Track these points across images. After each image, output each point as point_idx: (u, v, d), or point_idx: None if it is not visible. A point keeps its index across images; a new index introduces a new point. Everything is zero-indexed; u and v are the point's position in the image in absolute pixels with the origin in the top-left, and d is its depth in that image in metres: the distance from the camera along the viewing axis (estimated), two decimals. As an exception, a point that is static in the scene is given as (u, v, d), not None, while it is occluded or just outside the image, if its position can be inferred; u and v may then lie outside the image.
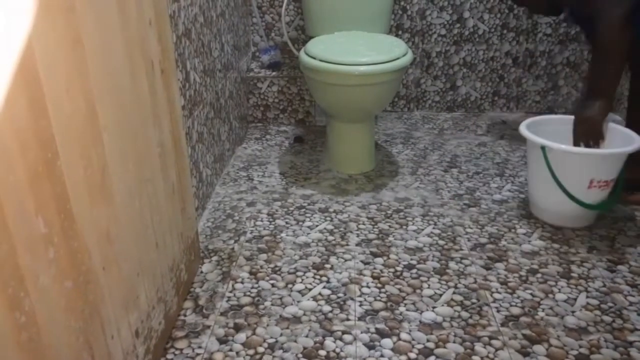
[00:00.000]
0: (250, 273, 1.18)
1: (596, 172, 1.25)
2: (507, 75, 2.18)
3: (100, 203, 0.71)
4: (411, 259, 1.23)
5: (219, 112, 1.62)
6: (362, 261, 1.22)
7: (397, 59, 1.50)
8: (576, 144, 1.33)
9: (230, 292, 1.12)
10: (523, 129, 1.35)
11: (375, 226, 1.37)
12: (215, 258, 1.24)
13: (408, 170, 1.72)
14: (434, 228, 1.36)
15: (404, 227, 1.37)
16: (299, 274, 1.17)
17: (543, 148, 1.27)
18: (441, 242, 1.29)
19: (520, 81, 2.18)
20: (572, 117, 1.39)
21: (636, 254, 1.24)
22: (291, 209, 1.46)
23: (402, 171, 1.71)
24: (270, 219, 1.41)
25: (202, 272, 1.19)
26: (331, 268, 1.19)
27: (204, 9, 1.45)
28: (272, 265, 1.21)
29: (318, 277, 1.16)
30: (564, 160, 1.26)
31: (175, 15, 1.21)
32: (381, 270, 1.18)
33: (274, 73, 2.10)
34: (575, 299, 1.08)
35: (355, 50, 1.59)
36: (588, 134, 1.33)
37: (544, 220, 1.37)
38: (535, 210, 1.40)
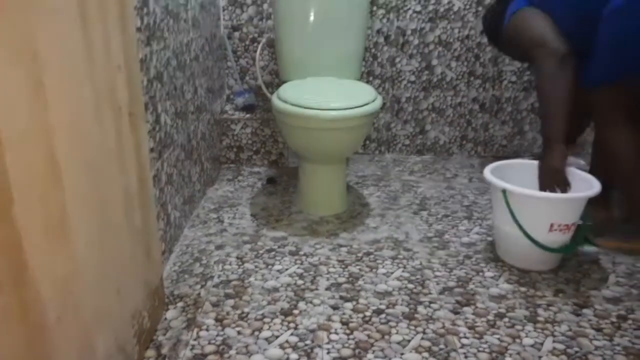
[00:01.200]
0: (216, 320, 1.15)
1: (556, 216, 1.28)
2: (475, 120, 2.25)
3: (58, 250, 0.69)
4: (380, 304, 1.22)
5: (191, 153, 1.62)
6: (331, 306, 1.20)
7: (367, 104, 1.53)
8: (543, 191, 1.37)
9: (195, 340, 1.09)
10: (487, 172, 1.38)
11: (346, 269, 1.37)
12: (180, 304, 1.21)
13: (379, 212, 1.73)
14: (403, 271, 1.36)
15: (374, 270, 1.37)
16: (267, 320, 1.15)
17: (504, 191, 1.30)
18: (410, 286, 1.29)
19: (487, 126, 2.25)
20: (536, 162, 1.44)
21: (601, 297, 1.25)
22: (261, 252, 1.45)
23: (373, 213, 1.72)
24: (239, 263, 1.39)
25: (166, 318, 1.16)
26: (299, 314, 1.17)
27: (177, 53, 1.47)
28: (239, 312, 1.18)
29: (286, 323, 1.14)
30: (524, 204, 1.29)
31: (147, 59, 1.22)
32: (350, 316, 1.17)
33: (247, 115, 2.12)
34: (542, 344, 1.08)
35: (326, 95, 1.62)
36: (553, 182, 1.37)
37: (511, 264, 1.39)
38: (501, 253, 1.42)
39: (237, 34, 2.19)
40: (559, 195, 1.31)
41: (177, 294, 1.25)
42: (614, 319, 1.17)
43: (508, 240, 1.37)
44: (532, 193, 1.28)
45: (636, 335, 1.11)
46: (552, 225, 1.29)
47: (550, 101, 1.37)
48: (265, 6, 2.15)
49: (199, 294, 1.25)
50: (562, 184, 1.36)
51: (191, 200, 1.65)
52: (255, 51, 2.18)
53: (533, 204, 1.29)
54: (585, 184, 1.35)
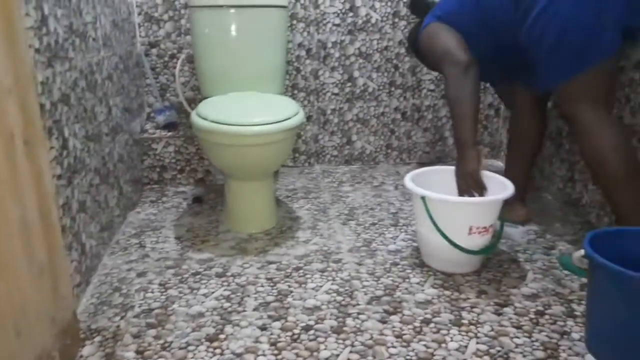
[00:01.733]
0: (137, 352, 1.09)
1: (474, 220, 1.32)
2: (398, 129, 2.30)
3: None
4: (309, 320, 1.20)
5: (107, 177, 1.54)
6: (259, 327, 1.18)
7: (289, 118, 1.52)
8: (462, 196, 1.42)
9: (114, 375, 1.03)
10: (407, 180, 1.41)
11: (274, 287, 1.34)
12: (98, 338, 1.14)
13: (309, 225, 1.72)
14: (332, 284, 1.36)
15: (303, 285, 1.35)
16: (191, 348, 1.11)
17: (423, 198, 1.33)
18: (339, 298, 1.29)
19: (410, 134, 2.31)
20: (454, 167, 1.49)
21: (520, 295, 1.30)
22: (186, 276, 1.40)
23: (302, 227, 1.71)
24: (162, 290, 1.33)
25: (82, 356, 1.08)
26: (226, 338, 1.14)
27: (86, 73, 1.40)
28: (161, 342, 1.13)
29: (211, 349, 1.10)
30: (443, 210, 1.33)
31: (50, 81, 1.15)
32: (279, 335, 1.15)
33: (169, 133, 2.05)
34: (466, 347, 1.11)
35: (247, 110, 1.60)
36: (469, 186, 1.42)
37: (435, 268, 1.42)
38: (426, 259, 1.45)
39: (154, 50, 2.13)
40: (474, 199, 1.36)
41: (95, 328, 1.18)
42: (532, 316, 1.22)
43: (431, 245, 1.40)
44: (449, 198, 1.32)
45: (553, 330, 1.17)
46: (471, 229, 1.33)
47: (457, 107, 1.43)
48: (183, 21, 2.10)
49: (118, 326, 1.19)
50: (479, 187, 1.42)
51: (110, 227, 1.57)
52: (175, 67, 2.13)
53: (451, 209, 1.33)
54: (499, 186, 1.40)
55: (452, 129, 1.48)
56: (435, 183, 1.47)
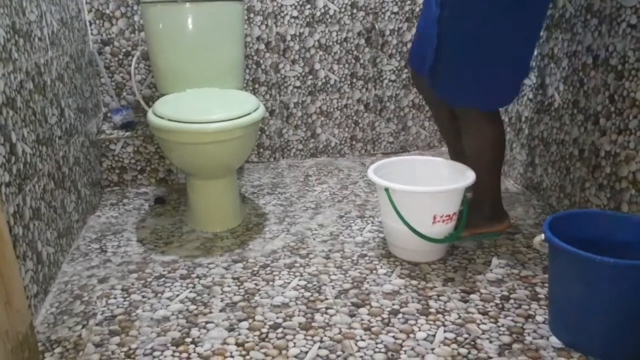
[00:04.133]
0: (100, 361, 1.06)
1: (438, 208, 1.33)
2: (361, 120, 2.30)
3: None
4: (277, 317, 1.19)
5: (62, 181, 1.49)
6: (226, 328, 1.16)
7: (249, 114, 1.50)
8: None
9: (75, 388, 0.99)
10: (370, 172, 1.41)
11: (241, 286, 1.32)
12: (58, 350, 1.10)
13: (275, 221, 1.70)
14: (300, 280, 1.35)
15: (270, 283, 1.34)
16: (156, 354, 1.08)
17: (387, 190, 1.33)
18: (307, 294, 1.28)
19: (374, 125, 2.31)
20: (415, 157, 1.51)
21: (485, 281, 1.32)
22: (149, 279, 1.36)
23: (268, 223, 1.69)
24: (125, 295, 1.29)
25: (41, 369, 1.04)
26: (192, 342, 1.11)
27: (33, 74, 1.34)
28: (125, 349, 1.09)
29: (177, 354, 1.08)
30: (407, 200, 1.33)
31: (-8, 84, 1.09)
32: (246, 336, 1.13)
33: (127, 133, 2.00)
34: (434, 336, 1.12)
35: (205, 107, 1.56)
36: None
37: (402, 258, 1.43)
38: (392, 249, 1.46)
39: (108, 48, 2.06)
40: (439, 188, 1.37)
41: (55, 339, 1.14)
42: (497, 301, 1.23)
43: (396, 235, 1.41)
44: (412, 189, 1.32)
45: (518, 314, 1.19)
46: (435, 217, 1.34)
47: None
48: (136, 18, 2.04)
49: (79, 335, 1.15)
50: None
51: (68, 233, 1.51)
52: (130, 65, 2.06)
53: (414, 199, 1.33)
54: (459, 174, 1.42)
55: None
56: (398, 174, 1.48)
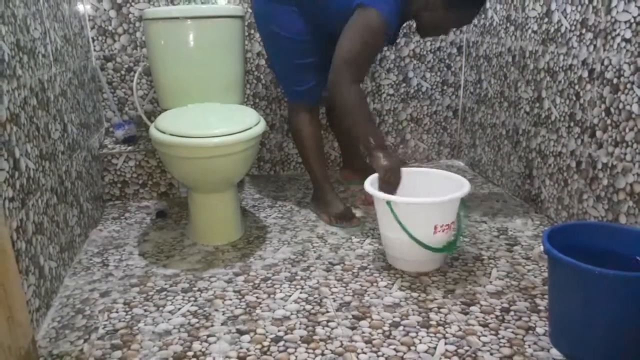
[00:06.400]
0: (102, 376, 1.06)
1: (439, 218, 1.35)
2: (361, 133, 2.31)
3: None
4: (278, 331, 1.19)
5: (65, 196, 1.50)
6: (227, 342, 1.16)
7: (249, 128, 1.51)
8: (383, 191, 1.46)
9: (78, 402, 0.99)
10: (367, 185, 1.43)
11: (242, 300, 1.33)
12: (60, 364, 1.10)
13: (275, 234, 1.71)
14: (301, 292, 1.35)
15: (272, 296, 1.34)
16: (158, 367, 1.08)
17: (389, 203, 1.34)
18: (308, 307, 1.28)
19: (373, 138, 2.32)
20: (413, 169, 1.52)
21: (485, 293, 1.33)
22: (151, 293, 1.37)
23: (269, 236, 1.70)
24: (127, 309, 1.30)
25: (43, 384, 1.05)
26: (194, 356, 1.11)
27: (37, 90, 1.36)
28: (127, 363, 1.10)
29: (179, 367, 1.08)
30: (408, 211, 1.35)
31: (-3, 100, 1.11)
32: (247, 349, 1.13)
33: (129, 148, 2.01)
34: (435, 348, 1.12)
35: (207, 122, 1.58)
36: (394, 180, 1.50)
37: (401, 269, 1.44)
38: (391, 260, 1.47)
39: (110, 64, 2.09)
40: (438, 199, 1.38)
41: (57, 353, 1.14)
42: (497, 313, 1.24)
43: (396, 246, 1.42)
44: (416, 200, 1.34)
45: (518, 326, 1.19)
46: (435, 227, 1.35)
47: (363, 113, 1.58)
48: (138, 34, 2.07)
49: (81, 349, 1.15)
50: (399, 182, 1.51)
51: (70, 247, 1.52)
52: (132, 80, 2.09)
53: (416, 210, 1.35)
54: (453, 183, 1.46)
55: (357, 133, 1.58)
56: None
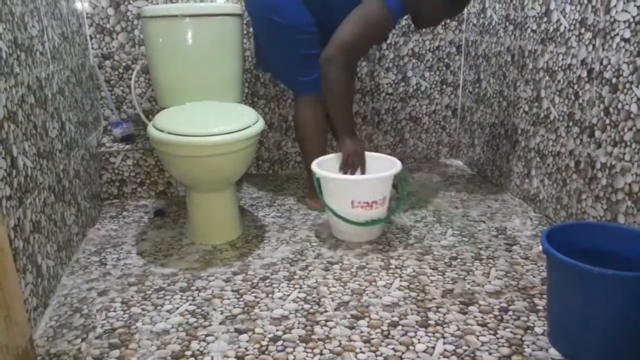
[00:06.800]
0: (99, 375, 1.06)
1: (354, 195, 1.53)
2: (359, 132, 2.31)
3: None
4: (277, 330, 1.19)
5: (62, 195, 1.49)
6: (226, 341, 1.16)
7: (248, 127, 1.51)
8: (345, 172, 1.67)
9: (75, 402, 0.99)
10: (313, 165, 1.62)
11: (241, 299, 1.32)
12: (58, 363, 1.10)
13: (274, 233, 1.71)
14: (299, 292, 1.35)
15: (270, 295, 1.34)
16: (156, 367, 1.08)
17: (317, 179, 1.56)
18: (306, 306, 1.28)
19: (372, 137, 2.33)
20: (372, 153, 1.74)
21: (484, 292, 1.33)
22: (149, 292, 1.36)
23: (268, 235, 1.70)
24: (125, 308, 1.29)
25: (41, 383, 1.04)
26: (192, 355, 1.11)
27: (35, 88, 1.35)
28: (125, 362, 1.09)
29: (177, 367, 1.08)
30: (330, 186, 1.56)
31: (-6, 98, 1.10)
32: (246, 348, 1.13)
33: (127, 146, 2.01)
34: (433, 348, 1.12)
35: (205, 120, 1.57)
36: (356, 163, 1.68)
37: (340, 238, 1.64)
38: (334, 232, 1.67)
39: (108, 62, 2.08)
40: (351, 177, 1.57)
41: (54, 352, 1.13)
42: (496, 313, 1.24)
43: (332, 219, 1.62)
44: (327, 174, 1.54)
45: (517, 326, 1.19)
46: (352, 202, 1.53)
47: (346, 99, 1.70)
48: (136, 32, 2.06)
49: (79, 348, 1.14)
50: (364, 165, 1.69)
51: (68, 246, 1.52)
52: (130, 79, 2.08)
53: (334, 185, 1.55)
54: (390, 164, 1.65)
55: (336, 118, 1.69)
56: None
